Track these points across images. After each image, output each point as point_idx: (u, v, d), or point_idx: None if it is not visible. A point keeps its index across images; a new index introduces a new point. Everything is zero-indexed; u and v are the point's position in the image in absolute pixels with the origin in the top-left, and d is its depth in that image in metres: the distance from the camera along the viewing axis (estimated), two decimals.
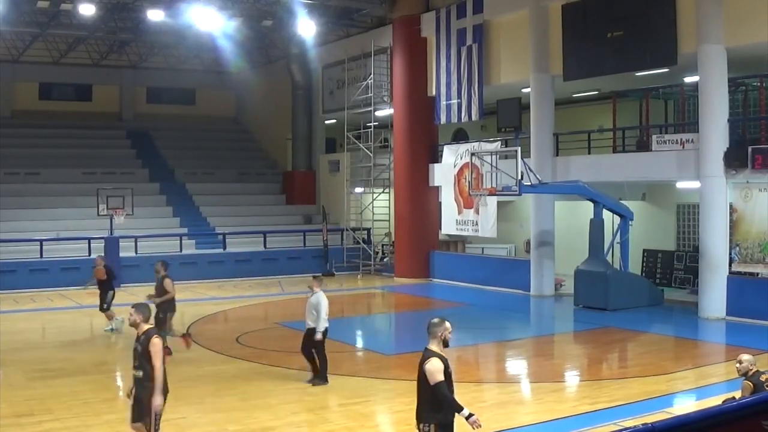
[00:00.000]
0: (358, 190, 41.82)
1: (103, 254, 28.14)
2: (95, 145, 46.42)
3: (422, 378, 9.63)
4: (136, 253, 36.99)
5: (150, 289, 21.15)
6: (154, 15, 35.72)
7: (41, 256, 35.80)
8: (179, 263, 36.72)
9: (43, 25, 39.18)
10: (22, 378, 18.32)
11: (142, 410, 11.27)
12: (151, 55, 46.72)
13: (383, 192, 40.47)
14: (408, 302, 32.52)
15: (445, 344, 9.77)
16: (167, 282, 20.35)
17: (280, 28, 39.56)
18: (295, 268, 38.37)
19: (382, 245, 41.26)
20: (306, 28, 36.98)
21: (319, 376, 16.96)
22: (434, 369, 9.47)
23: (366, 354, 22.15)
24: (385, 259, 40.08)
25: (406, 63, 36.94)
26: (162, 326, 19.76)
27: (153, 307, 19.66)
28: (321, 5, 36.86)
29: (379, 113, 39.16)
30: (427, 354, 9.66)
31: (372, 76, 38.86)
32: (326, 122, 45.71)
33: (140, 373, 11.15)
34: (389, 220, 40.29)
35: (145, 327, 11.27)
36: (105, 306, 24.47)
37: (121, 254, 36.21)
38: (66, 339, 23.82)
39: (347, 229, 41.50)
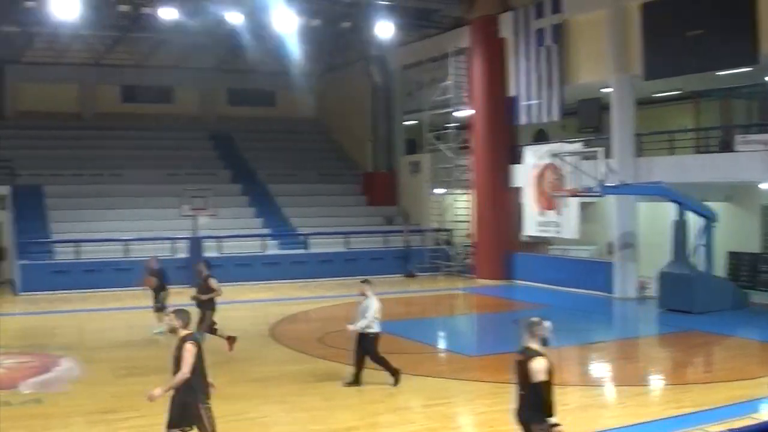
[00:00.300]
0: (439, 191, 41.79)
1: (155, 255, 28.37)
2: (178, 147, 47.00)
3: (526, 377, 9.62)
4: (219, 253, 37.46)
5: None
6: (233, 18, 36.11)
7: (126, 256, 36.41)
8: (262, 263, 37.29)
9: (125, 29, 39.74)
10: (109, 375, 18.69)
11: (183, 414, 11.36)
12: (232, 57, 47.11)
13: (464, 193, 40.37)
14: (489, 303, 32.48)
15: (544, 343, 9.76)
16: (212, 281, 20.70)
17: (359, 30, 39.67)
18: (377, 269, 38.34)
19: (463, 246, 41.14)
20: (384, 29, 37.07)
21: (355, 379, 16.96)
22: (541, 368, 9.48)
23: (447, 355, 22.19)
24: (466, 261, 39.96)
25: (484, 63, 36.86)
26: (201, 325, 20.24)
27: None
28: (399, 6, 36.92)
29: (458, 114, 39.09)
30: (531, 353, 9.66)
31: (451, 77, 38.84)
32: (406, 123, 45.73)
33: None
34: (470, 221, 40.15)
35: (183, 332, 11.41)
36: (158, 306, 24.64)
37: (205, 254, 36.70)
38: (151, 337, 24.22)
39: (428, 230, 41.52)
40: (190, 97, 51.15)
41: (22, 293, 34.41)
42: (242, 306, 30.64)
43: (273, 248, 39.33)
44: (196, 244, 36.65)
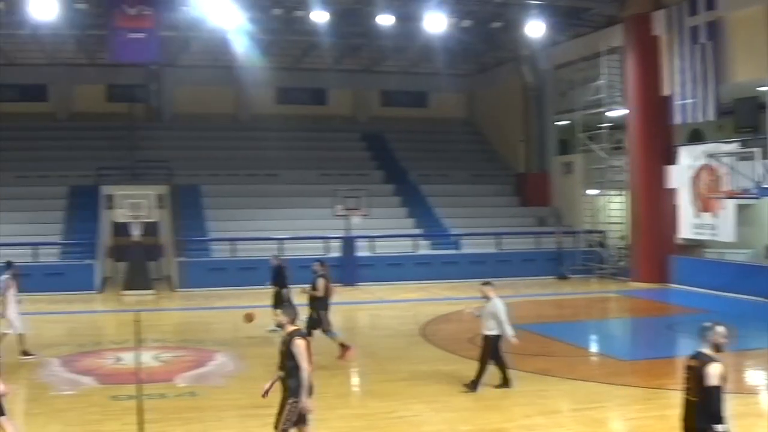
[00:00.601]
0: (592, 192, 41.29)
1: (277, 254, 28.66)
2: (331, 148, 47.63)
3: (698, 383, 9.44)
4: (372, 252, 37.84)
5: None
6: (385, 20, 36.38)
7: (280, 255, 37.02)
8: (414, 263, 37.44)
9: (278, 32, 40.42)
10: (262, 370, 19.01)
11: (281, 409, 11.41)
12: (384, 58, 47.45)
13: (618, 194, 39.77)
14: (643, 307, 31.90)
15: (718, 349, 9.56)
16: (320, 281, 20.70)
17: (510, 30, 39.47)
18: (529, 271, 38.27)
19: (617, 248, 40.50)
20: (535, 28, 36.81)
21: (504, 380, 16.79)
22: (716, 373, 9.28)
23: (600, 359, 21.90)
24: (620, 263, 39.32)
25: (638, 62, 36.21)
26: (319, 326, 20.41)
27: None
28: (550, 5, 36.58)
29: (612, 114, 38.50)
30: (705, 358, 9.44)
31: (604, 76, 38.32)
32: (558, 123, 45.30)
33: (283, 374, 11.34)
34: (624, 223, 39.52)
35: (291, 328, 11.43)
36: (285, 303, 24.77)
37: (358, 254, 37.17)
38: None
39: (581, 232, 41.08)
40: (343, 98, 51.78)
41: (180, 289, 35.44)
42: (393, 305, 30.91)
43: (425, 248, 39.51)
44: (349, 243, 37.13)
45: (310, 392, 11.45)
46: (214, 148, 45.38)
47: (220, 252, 37.28)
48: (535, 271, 38.26)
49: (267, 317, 21.30)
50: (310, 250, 37.37)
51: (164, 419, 14.57)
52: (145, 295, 34.14)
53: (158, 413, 14.88)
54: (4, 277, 20.69)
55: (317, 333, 20.17)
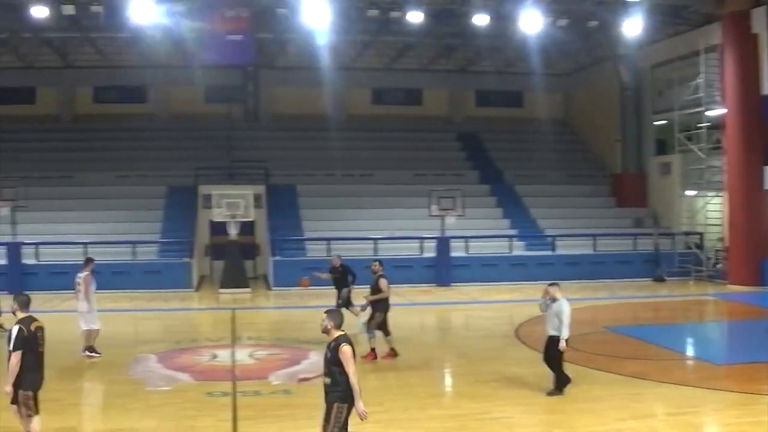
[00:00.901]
0: (690, 193, 40.67)
1: (339, 254, 28.69)
2: (426, 148, 47.67)
3: None
4: (466, 253, 37.80)
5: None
6: (480, 20, 36.29)
7: (374, 255, 37.18)
8: (509, 264, 37.30)
9: (374, 33, 40.58)
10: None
11: (327, 411, 11.36)
12: (479, 58, 47.31)
13: (716, 195, 39.07)
14: (740, 311, 31.27)
15: None
16: (382, 282, 20.61)
17: (606, 29, 39.03)
18: (625, 273, 37.89)
19: (715, 251, 39.80)
20: (632, 27, 36.36)
21: (557, 386, 16.54)
22: None
23: (696, 363, 21.55)
24: (717, 265, 38.65)
25: (736, 61, 35.49)
26: (370, 323, 20.41)
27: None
28: (647, 3, 36.09)
29: (710, 113, 37.88)
30: None
31: (702, 75, 37.71)
32: (656, 123, 44.64)
33: (328, 380, 11.23)
34: (722, 225, 38.84)
35: (336, 333, 11.31)
36: (340, 302, 24.74)
37: (452, 254, 37.15)
38: (397, 334, 24.59)
39: (678, 234, 40.48)
40: (438, 98, 51.74)
41: (275, 288, 35.81)
42: (487, 306, 30.84)
43: (519, 249, 39.36)
44: (443, 244, 37.14)
45: (347, 395, 11.41)
46: (310, 148, 45.74)
47: (315, 251, 37.54)
48: (631, 273, 37.85)
49: (350, 317, 21.53)
50: (405, 250, 37.54)
51: (258, 416, 14.75)
52: (241, 294, 34.56)
53: (252, 410, 15.07)
54: (84, 273, 21.06)
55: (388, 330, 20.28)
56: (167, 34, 37.05)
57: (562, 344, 16.37)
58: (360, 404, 11.13)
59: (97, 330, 21.03)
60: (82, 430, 14.68)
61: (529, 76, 45.39)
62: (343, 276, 25.36)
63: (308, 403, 16.08)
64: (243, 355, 20.78)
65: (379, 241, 37.52)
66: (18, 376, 12.32)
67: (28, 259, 35.67)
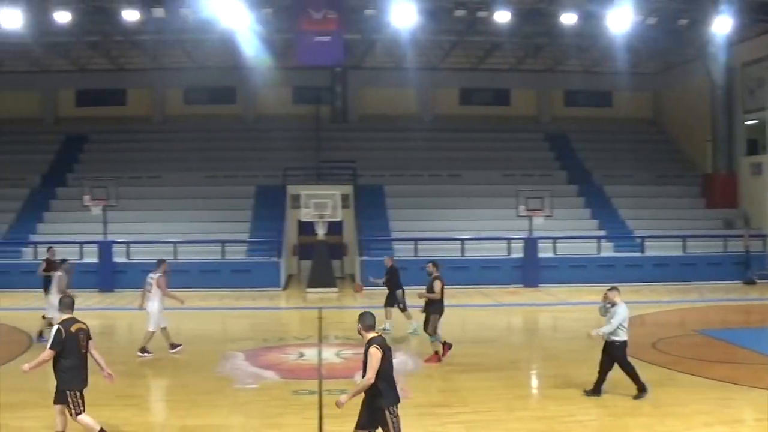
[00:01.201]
0: None
1: (392, 255, 28.54)
2: (514, 148, 47.48)
3: None
4: (554, 254, 37.57)
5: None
6: (568, 19, 36.04)
7: (462, 254, 37.20)
8: (596, 265, 36.92)
9: (461, 33, 40.53)
10: (441, 370, 19.20)
11: (371, 417, 11.40)
12: (567, 58, 46.95)
13: None
14: None
15: None
16: (436, 283, 20.40)
17: (696, 27, 38.48)
18: (715, 275, 37.33)
19: None
20: (722, 25, 35.77)
21: (639, 389, 16.26)
22: None
23: None
24: None
25: None
26: (427, 327, 20.20)
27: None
28: (737, 1, 35.49)
29: None
30: None
31: None
32: (747, 123, 43.86)
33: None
34: None
35: (369, 335, 11.42)
36: (393, 304, 24.86)
37: (540, 255, 36.95)
38: (483, 335, 24.63)
39: None
40: (525, 98, 51.47)
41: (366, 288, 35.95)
42: (575, 308, 30.59)
43: (608, 250, 38.98)
44: (531, 244, 36.97)
45: (397, 401, 11.35)
46: (398, 148, 45.86)
47: (402, 251, 37.60)
48: (721, 276, 37.25)
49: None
50: (493, 250, 37.45)
51: (343, 415, 14.75)
52: (328, 293, 34.77)
53: (338, 409, 15.14)
54: (157, 275, 21.36)
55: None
56: (256, 35, 37.46)
57: (595, 331, 16.27)
58: (344, 397, 11.35)
59: (151, 331, 21.22)
60: (169, 426, 14.89)
61: (617, 75, 44.87)
62: (395, 277, 25.35)
63: None
64: (329, 354, 20.94)
65: (467, 242, 37.48)
66: (64, 377, 12.66)
67: (119, 258, 36.31)
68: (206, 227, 38.98)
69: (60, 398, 12.75)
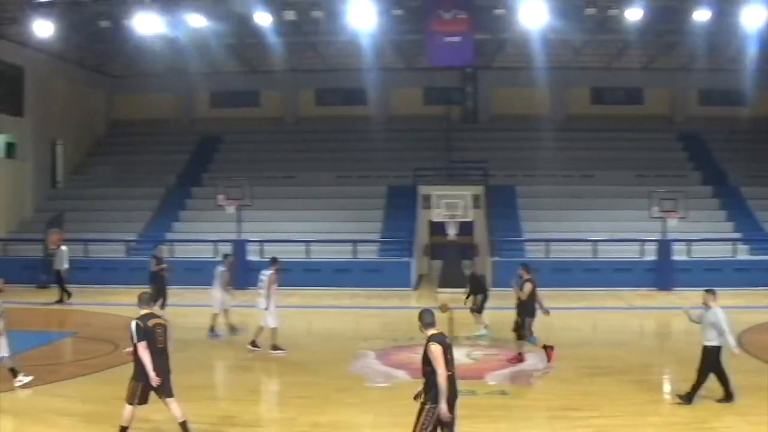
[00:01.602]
0: None
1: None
2: (647, 148, 46.70)
3: None
4: (688, 257, 36.86)
5: None
6: (701, 15, 35.40)
7: (595, 256, 36.78)
8: (733, 269, 36.11)
9: (592, 31, 40.09)
10: (573, 373, 19.05)
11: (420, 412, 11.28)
12: (701, 56, 45.91)
13: None
14: None
15: None
16: (526, 286, 20.30)
17: None
18: None
19: None
20: None
21: (690, 394, 15.92)
22: None
23: None
24: None
25: None
26: (520, 330, 20.09)
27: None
28: None
29: None
30: None
31: None
32: None
33: (424, 379, 11.30)
34: None
35: (429, 332, 11.38)
36: (474, 308, 24.91)
37: (674, 257, 36.31)
38: (615, 338, 24.33)
39: None
40: (658, 97, 50.63)
41: (494, 289, 35.77)
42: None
43: (744, 253, 38.06)
44: (664, 247, 36.36)
45: (454, 398, 11.28)
46: (529, 149, 45.54)
47: (534, 252, 37.41)
48: None
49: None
50: (625, 252, 36.97)
51: (474, 416, 14.85)
52: (459, 294, 34.73)
53: (468, 410, 15.14)
54: (269, 272, 21.66)
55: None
56: (387, 36, 37.73)
57: (736, 351, 15.97)
58: (443, 405, 11.12)
59: (273, 328, 21.62)
60: (300, 422, 15.11)
61: (754, 73, 43.79)
62: (479, 283, 25.52)
63: (524, 404, 16.20)
64: (460, 355, 20.83)
65: (599, 243, 37.07)
66: (137, 369, 13.07)
67: (253, 256, 36.91)
68: (338, 227, 39.45)
69: (167, 391, 13.25)
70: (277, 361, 20.76)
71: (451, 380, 11.29)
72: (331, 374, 19.00)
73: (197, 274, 31.51)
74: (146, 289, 25.78)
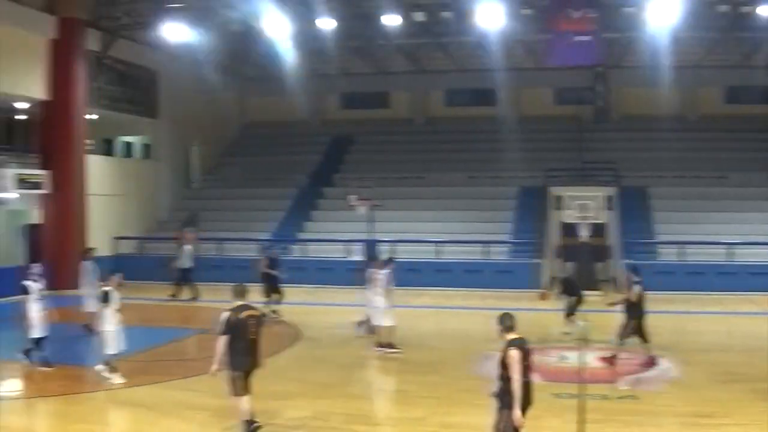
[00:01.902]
0: None
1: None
2: None
3: None
4: None
5: None
6: None
7: (729, 260, 35.94)
8: None
9: (724, 29, 39.22)
10: (705, 379, 18.71)
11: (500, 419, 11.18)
12: None
13: None
14: None
15: None
16: (636, 288, 20.26)
17: None
18: None
19: None
20: None
21: None
22: None
23: None
24: None
25: None
26: (643, 333, 20.09)
27: None
28: None
29: None
30: None
31: None
32: None
33: (498, 383, 11.28)
34: None
35: (508, 336, 11.42)
36: (567, 311, 24.86)
37: None
38: (749, 344, 23.73)
39: None
40: None
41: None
42: None
43: None
44: None
45: (527, 405, 11.20)
46: (662, 149, 44.71)
47: (667, 255, 36.79)
48: None
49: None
50: (762, 256, 35.98)
51: (604, 420, 14.73)
52: (592, 296, 34.37)
53: (598, 414, 15.02)
54: (386, 271, 21.93)
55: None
56: (516, 36, 37.58)
57: None
58: (516, 411, 11.12)
59: (390, 326, 21.87)
60: (429, 422, 15.22)
61: None
62: (573, 286, 25.64)
63: (655, 410, 15.97)
64: (592, 359, 20.74)
65: (734, 246, 36.18)
66: (231, 360, 13.35)
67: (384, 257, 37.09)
68: (468, 227, 39.43)
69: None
70: (408, 361, 20.89)
71: (527, 387, 11.33)
72: (459, 375, 19.06)
73: (328, 273, 31.88)
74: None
